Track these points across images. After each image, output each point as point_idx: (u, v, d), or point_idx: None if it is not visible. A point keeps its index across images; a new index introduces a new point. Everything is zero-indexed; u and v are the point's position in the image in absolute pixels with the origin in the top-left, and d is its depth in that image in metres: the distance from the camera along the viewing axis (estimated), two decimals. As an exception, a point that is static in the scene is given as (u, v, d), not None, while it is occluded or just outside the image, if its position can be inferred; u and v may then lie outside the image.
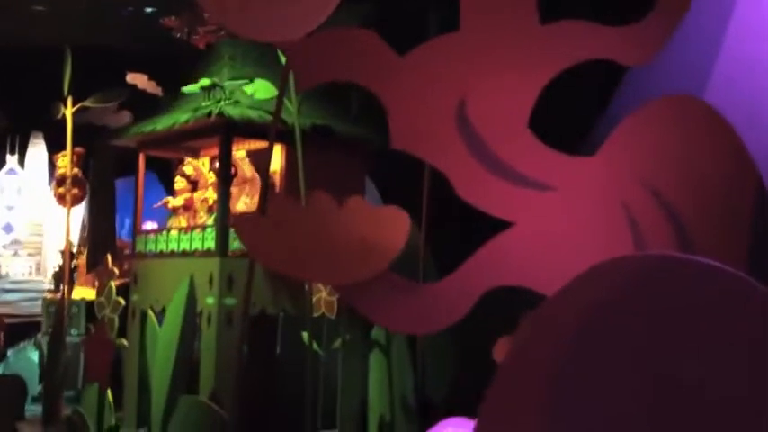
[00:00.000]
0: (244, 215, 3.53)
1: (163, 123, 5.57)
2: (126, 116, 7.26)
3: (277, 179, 5.77)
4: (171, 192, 6.29)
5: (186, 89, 5.41)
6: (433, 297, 3.12)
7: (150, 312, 5.31)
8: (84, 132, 7.04)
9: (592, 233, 2.98)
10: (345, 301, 3.29)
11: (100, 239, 9.31)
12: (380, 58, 3.16)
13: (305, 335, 5.24)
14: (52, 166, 8.01)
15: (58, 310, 6.75)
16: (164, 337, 5.04)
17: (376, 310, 3.17)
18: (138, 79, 7.26)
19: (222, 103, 5.17)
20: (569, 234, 3.00)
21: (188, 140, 5.91)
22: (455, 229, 5.04)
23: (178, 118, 5.43)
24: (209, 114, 5.12)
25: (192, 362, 5.15)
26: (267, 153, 4.09)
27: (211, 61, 6.02)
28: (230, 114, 5.13)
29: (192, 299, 4.98)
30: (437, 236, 5.46)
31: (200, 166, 6.21)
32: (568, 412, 1.89)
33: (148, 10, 7.99)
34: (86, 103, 6.69)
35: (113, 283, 5.23)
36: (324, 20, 3.16)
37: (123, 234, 10.46)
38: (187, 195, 6.04)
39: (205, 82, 5.27)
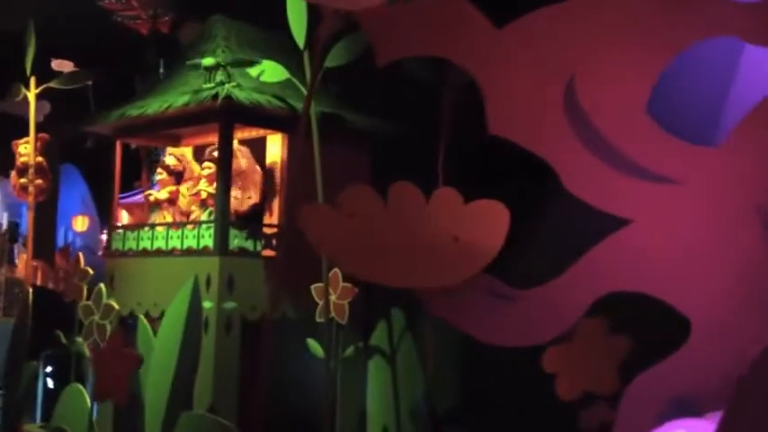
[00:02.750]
0: (312, 206, 3.08)
1: (153, 107, 5.00)
2: (45, 107, 6.61)
3: (277, 170, 5.29)
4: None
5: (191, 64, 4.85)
6: (537, 305, 2.74)
7: (142, 318, 4.75)
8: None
9: (720, 233, 2.65)
10: (435, 311, 2.85)
11: (42, 232, 8.61)
12: (475, 31, 2.77)
13: (309, 341, 4.81)
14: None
15: (22, 295, 5.82)
16: (160, 345, 4.50)
17: (470, 319, 2.78)
18: (64, 66, 6.65)
19: (227, 85, 4.65)
20: (695, 234, 2.67)
21: (179, 127, 5.36)
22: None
23: (174, 101, 4.87)
24: (216, 97, 4.59)
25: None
26: (299, 142, 3.66)
27: (201, 42, 5.48)
28: (238, 98, 4.62)
29: (196, 303, 4.44)
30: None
31: (185, 157, 5.67)
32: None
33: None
34: (52, 84, 6.02)
35: (103, 286, 4.65)
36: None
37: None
38: (172, 188, 5.50)
39: (209, 61, 4.73)
